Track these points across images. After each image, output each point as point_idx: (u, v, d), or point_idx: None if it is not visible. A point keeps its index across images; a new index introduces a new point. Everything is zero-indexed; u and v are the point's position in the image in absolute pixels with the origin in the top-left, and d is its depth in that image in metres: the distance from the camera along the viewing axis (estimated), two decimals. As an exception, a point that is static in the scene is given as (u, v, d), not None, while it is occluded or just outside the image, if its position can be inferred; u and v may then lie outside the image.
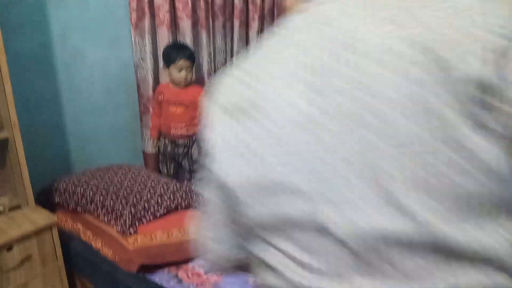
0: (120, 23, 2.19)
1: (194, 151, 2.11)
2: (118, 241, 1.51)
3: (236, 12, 2.72)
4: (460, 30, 0.36)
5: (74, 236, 1.67)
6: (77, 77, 2.07)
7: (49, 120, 1.97)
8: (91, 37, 2.09)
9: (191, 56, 2.02)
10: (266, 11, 2.92)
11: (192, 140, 2.15)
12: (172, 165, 2.22)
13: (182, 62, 2.04)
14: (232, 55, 2.81)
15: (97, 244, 1.56)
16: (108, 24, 2.15)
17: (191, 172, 2.13)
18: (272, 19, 3.00)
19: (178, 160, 2.20)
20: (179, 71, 2.06)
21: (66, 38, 1.98)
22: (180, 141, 2.17)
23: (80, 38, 2.04)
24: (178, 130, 2.15)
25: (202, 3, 2.44)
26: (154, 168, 2.39)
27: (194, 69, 2.06)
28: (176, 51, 2.08)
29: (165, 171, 2.23)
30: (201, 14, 2.45)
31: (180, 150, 2.17)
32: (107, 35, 2.15)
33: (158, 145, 2.23)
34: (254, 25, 2.85)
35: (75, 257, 1.65)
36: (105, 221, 1.58)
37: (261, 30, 2.92)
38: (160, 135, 2.24)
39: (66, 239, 1.65)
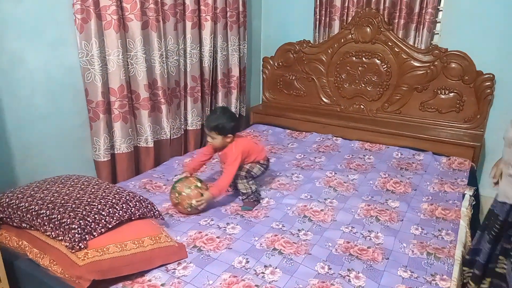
0: (63, 24, 2.07)
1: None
2: (67, 257, 1.42)
3: (188, 13, 2.67)
4: None
5: (19, 254, 1.56)
6: (16, 82, 1.94)
7: (-13, 131, 1.85)
8: (31, 39, 1.96)
9: (211, 128, 2.01)
10: (218, 12, 2.89)
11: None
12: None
13: (207, 132, 2.05)
14: (185, 57, 2.75)
15: (45, 262, 1.47)
16: (49, 24, 2.03)
17: (241, 177, 2.11)
18: (225, 19, 2.97)
19: None
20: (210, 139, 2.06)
21: (3, 40, 1.85)
22: None
23: (18, 40, 1.91)
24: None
25: (151, 4, 2.37)
26: (107, 177, 2.30)
27: (223, 136, 2.03)
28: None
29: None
30: (151, 15, 2.39)
31: None
32: (48, 37, 2.04)
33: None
34: (207, 26, 2.81)
35: (22, 277, 1.54)
36: (52, 237, 1.49)
37: (214, 31, 2.88)
38: (194, 172, 2.20)
39: (11, 258, 1.54)
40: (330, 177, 2.42)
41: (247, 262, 1.60)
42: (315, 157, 2.75)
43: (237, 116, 2.11)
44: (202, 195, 1.95)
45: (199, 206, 1.95)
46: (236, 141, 2.08)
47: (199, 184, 1.99)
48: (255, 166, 2.14)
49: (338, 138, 3.05)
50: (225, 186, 2.02)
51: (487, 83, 2.73)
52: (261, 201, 2.14)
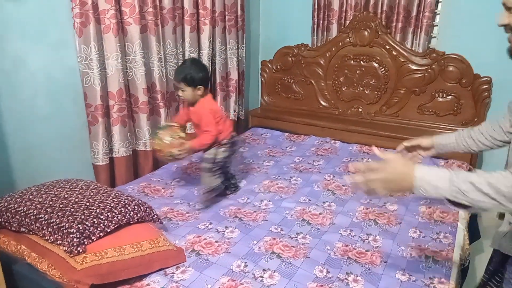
0: (64, 26, 2.08)
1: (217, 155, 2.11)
2: (65, 262, 1.42)
3: (186, 16, 2.68)
4: None
5: (18, 259, 1.56)
6: (18, 84, 1.94)
7: (-13, 133, 1.85)
8: (33, 41, 1.97)
9: (179, 78, 1.99)
10: (217, 16, 2.90)
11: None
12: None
13: (176, 84, 2.03)
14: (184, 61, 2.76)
15: (43, 266, 1.47)
16: (51, 26, 2.03)
17: (205, 169, 2.11)
18: (224, 23, 2.98)
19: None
20: (180, 92, 2.05)
21: (5, 41, 1.85)
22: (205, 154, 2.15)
23: (21, 41, 1.92)
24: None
25: (150, 8, 2.38)
26: (105, 181, 2.30)
27: (194, 88, 2.01)
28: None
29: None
30: (150, 19, 2.39)
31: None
32: (50, 39, 2.04)
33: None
34: (206, 29, 2.82)
35: (20, 281, 1.54)
36: (51, 241, 1.49)
37: (212, 35, 2.89)
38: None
39: (9, 263, 1.54)
40: (328, 180, 2.43)
41: (246, 266, 1.60)
42: (313, 160, 2.75)
43: (207, 68, 2.08)
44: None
45: (179, 156, 1.96)
46: (209, 97, 2.09)
47: (182, 134, 1.99)
48: (218, 152, 2.10)
49: (336, 141, 3.06)
50: (206, 144, 2.03)
51: (484, 86, 2.74)
52: (236, 190, 2.17)
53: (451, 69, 2.82)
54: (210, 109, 2.04)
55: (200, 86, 2.01)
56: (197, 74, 1.98)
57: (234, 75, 3.20)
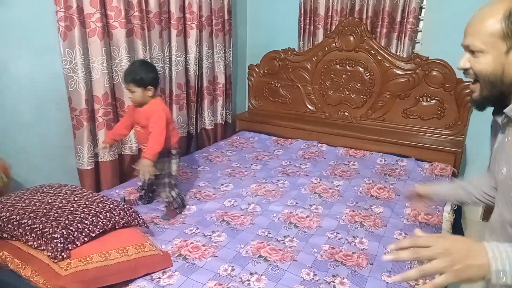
0: (48, 31, 2.06)
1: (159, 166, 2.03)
2: (49, 268, 1.40)
3: (173, 21, 2.68)
4: None
5: (0, 265, 1.53)
6: (0, 89, 1.91)
7: (-32, 139, 1.81)
8: (17, 46, 1.94)
9: (129, 79, 1.93)
10: (204, 20, 2.90)
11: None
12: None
13: (126, 86, 1.98)
14: (170, 64, 2.75)
15: (26, 272, 1.44)
16: (35, 32, 2.01)
17: (164, 185, 2.07)
18: (211, 27, 2.99)
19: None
20: (130, 94, 1.99)
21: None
22: None
23: (5, 47, 1.89)
24: (144, 148, 2.04)
25: (136, 12, 2.37)
26: (90, 185, 2.27)
27: (144, 88, 1.94)
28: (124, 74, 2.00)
29: (142, 180, 2.16)
30: (136, 23, 2.39)
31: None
32: (33, 44, 2.02)
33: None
34: (193, 33, 2.82)
35: (3, 288, 1.51)
36: (34, 247, 1.46)
37: (199, 39, 2.89)
38: (113, 143, 2.16)
39: (-9, 270, 1.51)
40: (315, 183, 2.44)
41: (233, 269, 1.60)
42: (300, 164, 2.77)
43: (156, 69, 2.04)
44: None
45: (144, 176, 1.92)
46: (160, 99, 2.07)
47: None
48: (171, 164, 2.07)
49: (323, 144, 3.08)
50: (157, 146, 1.92)
51: (467, 91, 2.79)
52: (184, 208, 2.12)
53: (434, 73, 2.88)
54: (162, 109, 2.00)
55: (150, 87, 1.96)
56: (146, 75, 1.93)
57: (221, 79, 3.20)
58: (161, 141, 1.93)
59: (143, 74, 1.92)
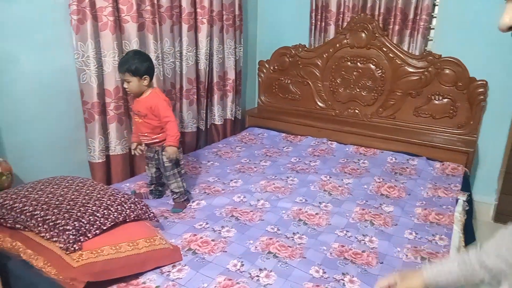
0: (58, 25, 2.07)
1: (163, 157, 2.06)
2: (61, 259, 1.41)
3: (184, 15, 2.68)
4: None
5: (13, 255, 1.55)
6: (10, 83, 1.93)
7: (-19, 131, 1.83)
8: (27, 40, 1.95)
9: (124, 69, 1.93)
10: (214, 15, 2.90)
11: (160, 147, 2.07)
12: (154, 169, 2.16)
13: (121, 76, 1.98)
14: (181, 59, 2.76)
15: (38, 263, 1.45)
16: (44, 25, 2.02)
17: (175, 175, 2.10)
18: (221, 22, 2.98)
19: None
20: (126, 84, 1.98)
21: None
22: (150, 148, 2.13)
23: (15, 40, 1.90)
24: (144, 138, 2.08)
25: (148, 6, 2.37)
26: (101, 178, 2.29)
27: (140, 78, 1.95)
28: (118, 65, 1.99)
29: (150, 174, 2.19)
30: (147, 17, 2.39)
31: (151, 155, 2.12)
32: (43, 38, 2.03)
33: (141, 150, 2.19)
34: (203, 28, 2.82)
35: (15, 278, 1.53)
36: (47, 238, 1.48)
37: (210, 34, 2.89)
38: (141, 141, 2.17)
39: (4, 260, 1.53)
40: (325, 181, 2.43)
41: (242, 265, 1.60)
42: (310, 161, 2.76)
43: (151, 58, 2.05)
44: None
45: (172, 161, 2.01)
46: (158, 88, 2.08)
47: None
48: (177, 153, 2.07)
49: (333, 142, 3.06)
50: (177, 132, 2.01)
51: (480, 90, 2.76)
52: (190, 200, 2.15)
53: (447, 72, 2.84)
54: (164, 99, 2.01)
55: (146, 76, 1.96)
56: (141, 64, 1.93)
57: (231, 75, 3.20)
58: (177, 127, 2.04)
59: (138, 64, 1.93)
